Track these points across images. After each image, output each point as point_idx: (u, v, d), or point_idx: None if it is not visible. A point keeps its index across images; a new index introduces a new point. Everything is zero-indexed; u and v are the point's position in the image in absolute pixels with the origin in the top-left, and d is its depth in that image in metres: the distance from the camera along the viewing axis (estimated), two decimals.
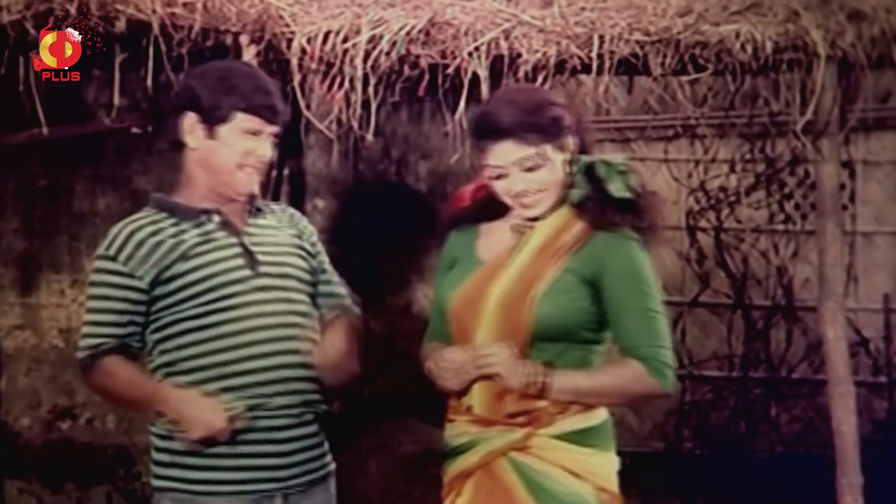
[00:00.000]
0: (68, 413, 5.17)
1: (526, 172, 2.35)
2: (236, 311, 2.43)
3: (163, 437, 2.48)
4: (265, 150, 2.53)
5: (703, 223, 5.97)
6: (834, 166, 4.03)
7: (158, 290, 2.45)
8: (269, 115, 2.50)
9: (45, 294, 5.15)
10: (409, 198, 5.53)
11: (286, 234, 2.60)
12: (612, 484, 2.36)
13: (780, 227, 5.91)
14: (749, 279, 5.96)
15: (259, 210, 2.60)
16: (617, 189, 2.33)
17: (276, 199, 4.09)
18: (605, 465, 2.36)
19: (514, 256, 2.37)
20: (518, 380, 2.29)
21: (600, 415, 2.37)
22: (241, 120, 2.48)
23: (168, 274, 2.45)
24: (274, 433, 2.44)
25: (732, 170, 5.87)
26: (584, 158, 2.38)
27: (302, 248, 2.61)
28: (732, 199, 5.93)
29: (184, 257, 2.45)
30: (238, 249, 2.50)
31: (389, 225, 5.38)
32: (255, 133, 2.50)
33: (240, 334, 2.43)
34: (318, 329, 2.50)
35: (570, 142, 2.38)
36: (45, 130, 3.92)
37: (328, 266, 2.68)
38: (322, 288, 2.64)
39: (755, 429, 5.87)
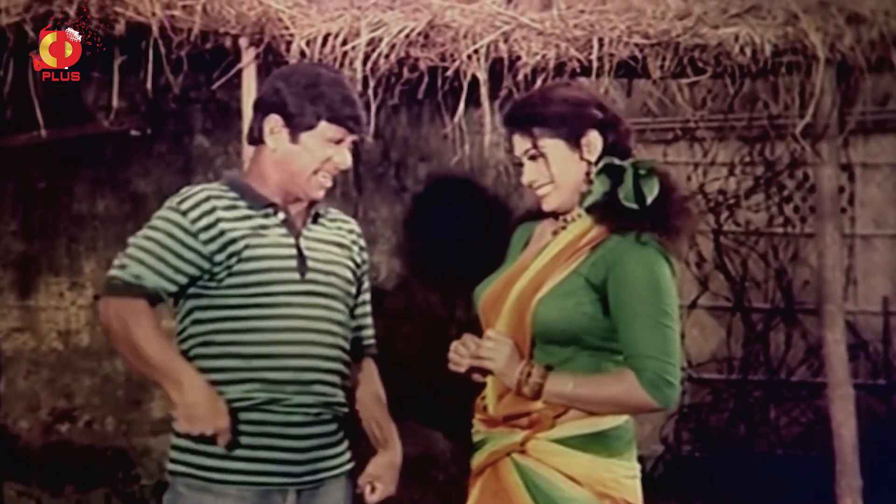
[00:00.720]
0: (67, 416, 5.17)
1: (531, 164, 2.37)
2: (276, 310, 2.47)
3: None
4: (344, 158, 2.56)
5: (702, 226, 5.97)
6: (833, 169, 4.03)
7: (214, 266, 2.46)
8: (353, 124, 2.54)
9: (44, 296, 5.15)
10: (409, 200, 5.53)
11: (338, 244, 2.63)
12: (621, 490, 2.32)
13: (780, 229, 5.92)
14: (748, 282, 5.97)
15: (318, 216, 2.63)
16: (625, 197, 2.30)
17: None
18: (614, 471, 2.32)
19: (534, 260, 2.37)
20: (512, 378, 2.29)
21: (611, 420, 2.32)
22: (326, 128, 2.51)
23: (227, 253, 2.46)
24: (290, 429, 2.47)
25: (732, 173, 5.87)
26: (608, 160, 2.34)
27: (352, 260, 2.64)
28: (732, 201, 5.93)
29: (245, 244, 2.48)
30: (293, 251, 2.53)
31: (388, 227, 5.38)
32: (338, 142, 2.54)
33: (273, 332, 2.46)
34: (349, 337, 2.61)
35: (593, 139, 2.35)
36: (43, 133, 3.92)
37: (366, 290, 2.72)
38: (356, 320, 2.69)
39: (754, 431, 5.87)
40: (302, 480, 2.49)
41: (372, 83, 3.77)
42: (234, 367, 2.45)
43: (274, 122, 2.54)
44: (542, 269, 2.33)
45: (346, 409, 2.58)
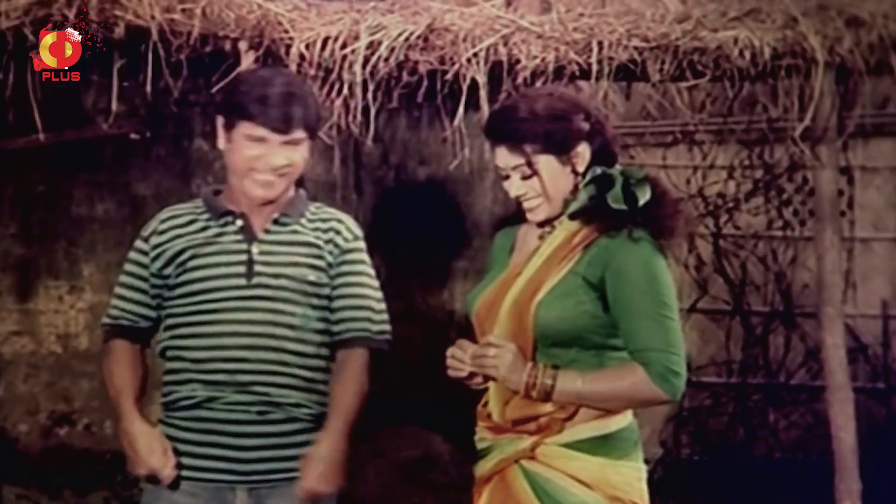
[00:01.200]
0: (66, 419, 5.17)
1: (520, 179, 2.37)
2: (218, 315, 2.56)
3: (159, 422, 2.64)
4: (274, 158, 2.56)
5: (701, 229, 5.97)
6: (832, 172, 4.03)
7: (166, 280, 2.61)
8: (272, 124, 2.54)
9: (44, 300, 5.15)
10: (408, 204, 5.53)
11: (303, 244, 2.63)
12: (630, 493, 2.33)
13: (779, 233, 5.92)
14: (748, 285, 5.97)
15: (287, 217, 2.64)
16: (614, 199, 2.30)
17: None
18: (623, 473, 2.33)
19: (526, 264, 2.37)
20: (518, 381, 2.28)
21: (618, 422, 2.33)
22: (246, 127, 2.55)
23: (174, 265, 2.60)
24: (232, 426, 2.53)
25: (731, 176, 5.87)
26: (598, 170, 2.35)
27: (321, 258, 2.63)
28: (731, 205, 5.93)
29: (194, 255, 2.59)
30: (243, 257, 2.58)
31: (388, 231, 5.38)
32: (261, 140, 2.54)
33: (214, 336, 2.55)
34: (309, 339, 2.60)
35: (582, 151, 2.36)
36: (42, 136, 3.92)
37: (343, 283, 2.67)
38: (330, 308, 2.66)
39: (754, 435, 5.87)
40: (250, 479, 2.53)
41: (371, 86, 3.77)
42: (181, 368, 2.58)
43: (218, 122, 2.63)
44: (536, 272, 2.33)
45: (309, 410, 2.59)
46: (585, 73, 3.86)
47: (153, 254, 2.64)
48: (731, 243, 6.00)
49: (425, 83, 3.85)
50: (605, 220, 2.31)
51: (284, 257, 2.60)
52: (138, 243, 2.68)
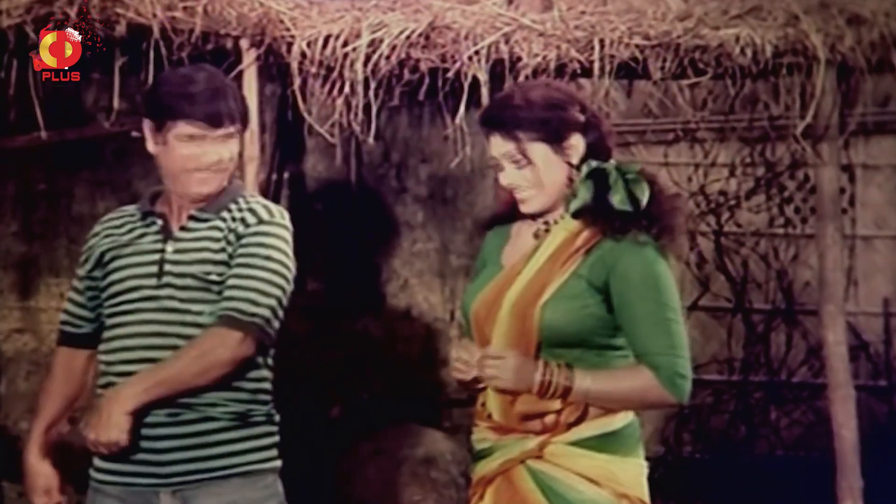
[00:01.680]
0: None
1: (513, 167, 2.36)
2: (130, 316, 2.55)
3: None
4: (207, 154, 2.54)
5: (702, 227, 5.97)
6: (834, 170, 4.04)
7: (96, 280, 2.64)
8: (208, 120, 2.52)
9: (45, 298, 5.15)
10: (410, 202, 5.53)
11: (213, 239, 2.58)
12: (636, 489, 2.33)
13: (780, 230, 5.91)
14: (749, 283, 5.96)
15: (203, 212, 2.60)
16: (619, 201, 2.29)
17: (275, 203, 4.10)
18: (628, 470, 2.33)
19: (528, 262, 2.35)
20: (531, 382, 2.27)
21: (622, 419, 2.34)
22: (181, 126, 2.53)
23: (99, 266, 2.63)
24: (146, 429, 2.50)
25: (732, 174, 5.87)
26: (593, 164, 2.34)
27: (224, 252, 2.57)
28: (732, 202, 5.93)
29: (116, 256, 2.62)
30: (157, 257, 2.58)
31: (389, 229, 5.39)
32: (197, 138, 2.53)
33: (125, 338, 2.55)
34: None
35: (575, 142, 2.35)
36: (44, 134, 3.92)
37: (235, 265, 2.54)
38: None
39: (755, 433, 5.87)
40: (170, 482, 2.50)
41: (373, 84, 3.78)
42: (102, 371, 2.59)
43: (146, 125, 2.61)
44: (538, 273, 2.32)
45: (226, 408, 2.52)
46: (587, 71, 3.86)
47: (85, 256, 2.68)
48: (732, 241, 5.99)
49: (427, 81, 3.86)
50: (610, 222, 2.30)
51: (194, 254, 2.56)
52: (84, 248, 2.73)
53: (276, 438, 2.62)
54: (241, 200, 2.63)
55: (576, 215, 2.34)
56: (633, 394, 2.30)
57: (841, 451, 3.88)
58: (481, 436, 2.39)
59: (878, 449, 4.57)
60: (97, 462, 2.58)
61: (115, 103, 3.85)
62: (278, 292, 2.54)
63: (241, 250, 2.55)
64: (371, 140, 3.94)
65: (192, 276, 2.54)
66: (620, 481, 2.30)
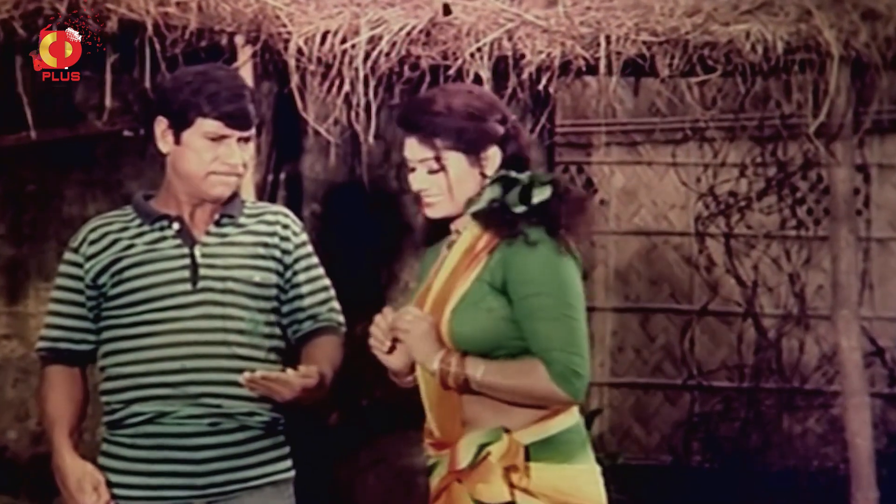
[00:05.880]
0: None
1: (426, 172, 2.38)
2: (163, 325, 2.52)
3: (104, 441, 2.62)
4: (232, 155, 2.54)
5: (712, 229, 5.98)
6: (848, 170, 4.04)
7: (103, 290, 2.56)
8: (232, 120, 2.53)
9: (34, 302, 5.15)
10: (410, 204, 5.53)
11: (249, 244, 2.61)
12: (581, 497, 2.32)
13: (793, 232, 5.92)
14: (760, 287, 5.98)
15: (230, 217, 2.62)
16: (512, 202, 2.33)
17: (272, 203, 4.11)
18: (570, 477, 2.32)
19: (438, 273, 2.39)
20: (430, 360, 2.29)
21: (560, 423, 2.33)
22: (204, 125, 2.52)
23: (110, 273, 2.55)
24: (184, 440, 2.50)
25: (743, 174, 5.88)
26: (503, 173, 2.36)
27: (269, 257, 2.61)
28: (743, 204, 5.94)
29: (132, 263, 2.55)
30: (186, 261, 2.55)
31: (389, 232, 5.39)
32: (220, 138, 2.53)
33: (159, 348, 2.51)
34: (259, 344, 2.57)
35: (492, 154, 2.37)
36: (33, 133, 3.93)
37: (304, 279, 2.67)
38: (286, 307, 2.65)
39: (767, 442, 5.88)
40: (206, 493, 2.52)
41: (372, 82, 3.79)
42: (125, 385, 2.53)
43: (160, 124, 2.58)
44: (445, 283, 2.35)
45: (262, 418, 2.56)
46: (592, 69, 3.87)
47: (87, 265, 2.58)
48: (742, 243, 6.01)
49: (428, 79, 3.87)
50: (502, 224, 2.32)
51: (230, 259, 2.57)
52: (68, 255, 2.63)
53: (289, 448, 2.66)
54: (248, 203, 2.68)
55: (476, 217, 2.36)
56: (522, 387, 2.29)
57: (855, 461, 3.88)
58: (427, 452, 2.44)
59: (894, 458, 4.58)
60: (114, 477, 2.54)
61: (107, 102, 3.85)
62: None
63: (312, 260, 2.68)
64: (371, 140, 3.95)
65: (234, 279, 2.55)
66: (560, 489, 2.29)
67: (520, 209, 2.32)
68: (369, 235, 5.36)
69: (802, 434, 5.90)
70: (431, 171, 2.37)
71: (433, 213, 2.42)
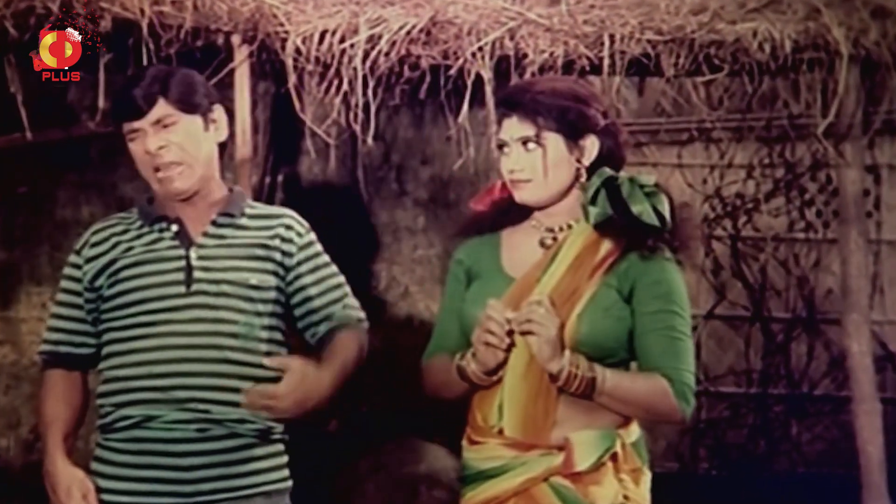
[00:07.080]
0: None
1: (523, 151, 2.36)
2: (155, 328, 2.52)
3: (97, 445, 2.61)
4: (149, 143, 2.54)
5: (719, 231, 5.98)
6: (857, 171, 4.04)
7: (100, 291, 2.58)
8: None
9: (26, 307, 5.15)
10: (410, 205, 5.54)
11: (247, 245, 2.60)
12: (646, 502, 2.36)
13: (801, 235, 5.92)
14: (768, 290, 5.97)
15: (229, 217, 2.61)
16: (646, 215, 2.31)
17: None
18: (646, 481, 2.36)
19: (544, 273, 2.36)
20: (556, 361, 2.26)
21: (636, 430, 2.37)
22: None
23: (106, 275, 2.57)
24: (170, 446, 2.49)
25: (750, 175, 5.88)
26: (607, 171, 2.35)
27: (268, 259, 2.60)
28: (750, 206, 5.94)
29: (129, 264, 2.56)
30: (181, 263, 2.55)
31: (389, 234, 5.39)
32: (135, 134, 2.56)
33: (150, 350, 2.51)
34: (253, 348, 2.54)
35: (590, 144, 2.37)
36: (29, 135, 3.93)
37: (311, 281, 2.65)
38: (298, 311, 2.65)
39: (775, 448, 5.87)
40: (193, 501, 2.50)
41: (371, 82, 3.79)
42: (117, 388, 2.54)
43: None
44: (561, 283, 2.33)
45: (253, 425, 2.53)
46: (596, 68, 3.87)
47: (86, 267, 2.60)
48: (750, 246, 6.00)
49: (428, 79, 3.87)
50: (637, 236, 2.33)
51: (226, 261, 2.56)
52: (72, 258, 2.65)
53: (287, 458, 2.64)
54: (250, 204, 2.68)
55: (598, 227, 2.34)
56: (645, 399, 2.31)
57: (866, 468, 3.88)
58: (490, 454, 2.36)
59: None
60: (102, 482, 2.54)
61: (101, 102, 3.85)
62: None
63: (321, 259, 2.68)
64: (370, 141, 3.95)
65: (228, 282, 2.54)
66: (642, 493, 2.34)
67: (653, 223, 2.31)
68: (369, 239, 5.36)
69: (811, 441, 5.89)
70: (528, 149, 2.35)
71: (524, 195, 2.38)
